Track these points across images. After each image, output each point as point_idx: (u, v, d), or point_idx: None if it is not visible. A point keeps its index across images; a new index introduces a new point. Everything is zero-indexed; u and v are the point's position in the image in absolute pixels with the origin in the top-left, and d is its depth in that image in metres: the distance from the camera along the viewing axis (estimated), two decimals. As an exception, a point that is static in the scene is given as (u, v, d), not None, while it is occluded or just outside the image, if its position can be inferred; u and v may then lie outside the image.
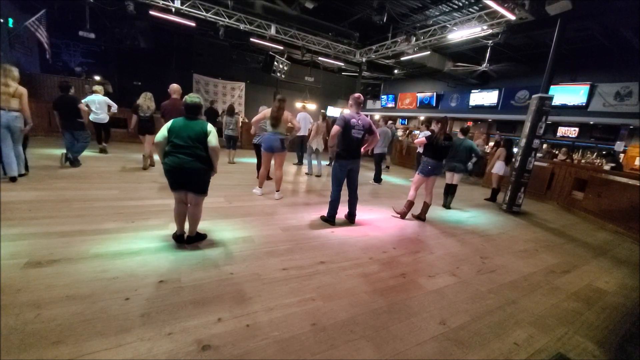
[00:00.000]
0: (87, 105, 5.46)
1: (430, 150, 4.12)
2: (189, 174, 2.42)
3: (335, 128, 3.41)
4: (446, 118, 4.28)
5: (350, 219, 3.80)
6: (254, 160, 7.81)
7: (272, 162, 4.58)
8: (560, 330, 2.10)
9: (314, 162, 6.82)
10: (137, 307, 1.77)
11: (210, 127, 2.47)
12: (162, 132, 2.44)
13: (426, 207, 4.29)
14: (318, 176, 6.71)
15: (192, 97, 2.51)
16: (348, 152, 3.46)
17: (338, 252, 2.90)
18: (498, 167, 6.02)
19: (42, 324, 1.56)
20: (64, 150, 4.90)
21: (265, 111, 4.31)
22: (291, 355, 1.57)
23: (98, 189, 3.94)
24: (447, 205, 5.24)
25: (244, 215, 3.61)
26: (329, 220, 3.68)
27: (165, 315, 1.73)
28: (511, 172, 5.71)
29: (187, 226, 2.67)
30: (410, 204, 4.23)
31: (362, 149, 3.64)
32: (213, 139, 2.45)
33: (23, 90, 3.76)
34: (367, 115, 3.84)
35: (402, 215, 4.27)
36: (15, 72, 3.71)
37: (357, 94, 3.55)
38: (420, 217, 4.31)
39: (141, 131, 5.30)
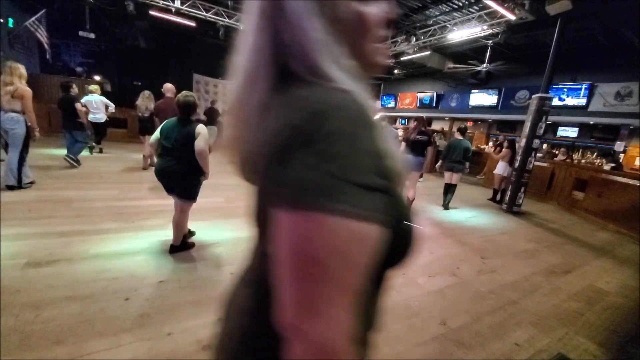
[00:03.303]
0: (85, 105, 5.44)
1: (406, 146, 4.44)
2: (171, 177, 2.30)
3: None
4: (422, 117, 4.58)
5: None
6: (254, 161, 7.83)
7: None
8: (561, 330, 2.09)
9: None
10: (136, 308, 1.76)
11: (199, 129, 2.24)
12: (156, 133, 2.37)
13: (409, 202, 4.37)
14: None
15: (185, 96, 2.31)
16: None
17: (338, 252, 2.89)
18: (501, 168, 6.01)
19: (42, 325, 1.56)
20: (66, 153, 4.87)
21: None
22: (291, 355, 1.56)
23: (98, 189, 3.93)
24: (446, 205, 5.24)
25: (244, 215, 3.60)
26: None
27: (165, 315, 1.73)
28: (512, 172, 5.71)
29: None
30: None
31: None
32: (200, 141, 2.22)
33: (25, 92, 3.37)
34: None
35: None
36: (21, 69, 3.38)
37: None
38: None
39: (141, 131, 5.32)
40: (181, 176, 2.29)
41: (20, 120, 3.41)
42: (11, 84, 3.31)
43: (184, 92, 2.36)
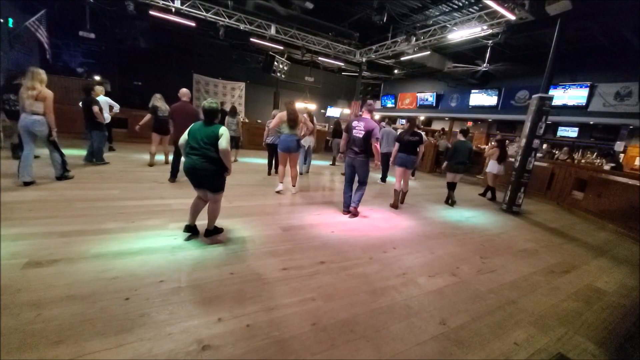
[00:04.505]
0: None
1: (399, 145, 4.86)
2: (201, 174, 2.57)
3: (344, 135, 4.14)
4: (413, 119, 4.93)
5: (347, 209, 4.15)
6: (255, 160, 7.85)
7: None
8: (560, 330, 2.10)
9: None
10: (137, 307, 1.77)
11: (222, 131, 2.54)
12: (184, 135, 2.65)
13: (397, 194, 4.83)
14: (301, 173, 6.59)
15: (209, 102, 2.63)
16: (350, 149, 4.04)
17: (338, 252, 2.90)
18: (491, 166, 6.26)
19: (43, 324, 1.56)
20: (94, 159, 5.30)
21: (280, 115, 4.61)
22: (291, 355, 1.57)
23: (98, 189, 3.94)
24: (449, 201, 5.49)
25: (244, 215, 3.61)
26: (343, 210, 4.19)
27: (165, 315, 1.73)
28: (508, 171, 5.72)
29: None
30: (396, 193, 4.84)
31: (376, 158, 4.03)
32: (223, 141, 2.52)
33: (47, 94, 3.69)
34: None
35: (395, 204, 4.83)
36: (42, 74, 3.71)
37: (369, 101, 4.11)
38: (395, 206, 4.86)
39: (158, 130, 5.56)
40: (211, 173, 2.58)
41: (41, 120, 3.72)
42: (33, 89, 3.59)
43: (208, 100, 2.69)
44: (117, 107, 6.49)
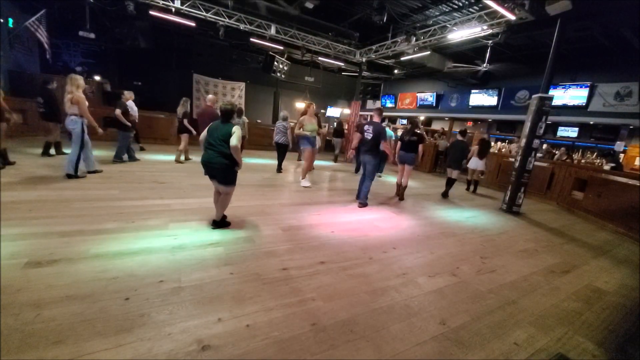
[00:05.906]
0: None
1: (401, 144, 5.33)
2: (215, 167, 2.89)
3: (356, 134, 4.70)
4: (415, 120, 5.51)
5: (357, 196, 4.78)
6: (255, 160, 7.86)
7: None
8: (560, 330, 2.10)
9: None
10: (137, 307, 1.77)
11: (234, 129, 2.84)
12: (204, 132, 2.98)
13: (398, 187, 5.39)
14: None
15: (225, 104, 2.97)
16: (361, 148, 4.63)
17: (338, 252, 2.90)
18: (473, 163, 6.64)
19: (42, 324, 1.56)
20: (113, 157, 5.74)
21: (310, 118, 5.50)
22: (291, 355, 1.57)
23: (98, 189, 3.94)
24: (445, 195, 5.97)
25: (244, 215, 3.61)
26: (357, 198, 4.78)
27: (165, 315, 1.73)
28: (508, 170, 5.72)
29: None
30: (398, 185, 5.42)
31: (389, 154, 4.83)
32: (234, 139, 2.80)
33: (79, 97, 4.08)
34: (369, 116, 4.77)
35: (398, 195, 5.38)
36: (79, 80, 4.14)
37: (379, 106, 4.72)
38: (398, 195, 5.40)
39: (178, 131, 6.23)
40: (223, 167, 2.88)
41: (78, 121, 4.16)
42: (71, 93, 4.02)
43: (225, 101, 3.06)
44: (135, 112, 6.74)
